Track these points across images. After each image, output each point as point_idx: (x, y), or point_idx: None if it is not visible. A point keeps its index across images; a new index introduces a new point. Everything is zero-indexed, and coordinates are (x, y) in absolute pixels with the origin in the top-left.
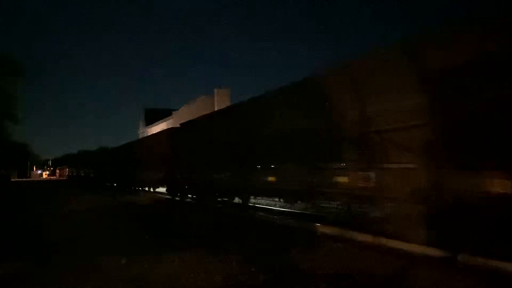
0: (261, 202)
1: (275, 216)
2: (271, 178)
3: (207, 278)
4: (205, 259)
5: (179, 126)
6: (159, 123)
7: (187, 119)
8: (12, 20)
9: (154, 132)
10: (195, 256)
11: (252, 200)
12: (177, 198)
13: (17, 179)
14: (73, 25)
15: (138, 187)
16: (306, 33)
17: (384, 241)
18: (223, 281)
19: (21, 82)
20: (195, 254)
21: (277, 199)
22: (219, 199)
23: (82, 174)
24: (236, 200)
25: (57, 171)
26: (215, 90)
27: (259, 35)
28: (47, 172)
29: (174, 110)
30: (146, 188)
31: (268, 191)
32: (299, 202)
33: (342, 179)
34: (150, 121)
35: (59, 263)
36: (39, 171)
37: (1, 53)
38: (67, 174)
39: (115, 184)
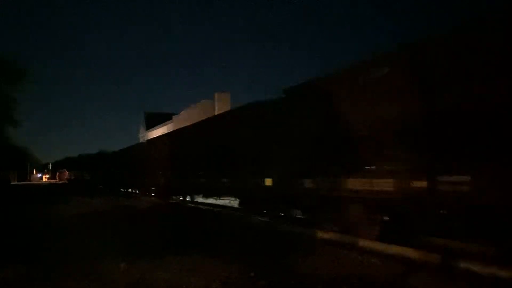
0: None
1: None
2: None
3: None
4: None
5: (284, 96)
6: (159, 127)
7: (187, 124)
8: (12, 22)
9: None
10: None
11: None
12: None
13: (17, 183)
14: (74, 28)
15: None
16: (307, 35)
17: (383, 246)
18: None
19: (22, 84)
20: None
21: None
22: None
23: (87, 178)
24: None
25: (57, 174)
26: (216, 94)
27: (259, 38)
28: (47, 176)
29: (174, 114)
30: (184, 197)
31: None
32: None
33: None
34: (150, 125)
35: (60, 267)
36: (39, 175)
37: (1, 55)
38: (67, 177)
39: (129, 190)
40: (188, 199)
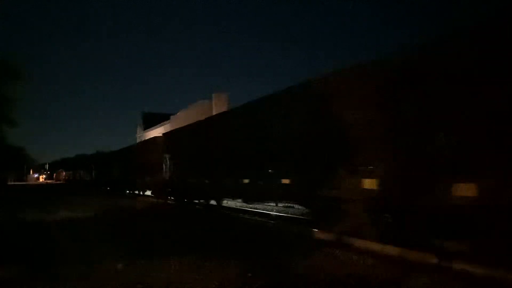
0: None
1: (272, 221)
2: None
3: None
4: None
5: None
6: (157, 127)
7: (185, 124)
8: (9, 21)
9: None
10: None
11: None
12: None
13: (14, 183)
14: (72, 28)
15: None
16: (306, 36)
17: (380, 247)
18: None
19: (18, 84)
20: None
21: None
22: None
23: (86, 179)
24: None
25: (54, 175)
26: (214, 95)
27: (258, 39)
28: (44, 176)
29: (172, 114)
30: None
31: None
32: None
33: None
34: (148, 125)
35: (56, 268)
36: (36, 175)
37: (0, 56)
38: (64, 177)
39: (135, 191)
40: (213, 203)
